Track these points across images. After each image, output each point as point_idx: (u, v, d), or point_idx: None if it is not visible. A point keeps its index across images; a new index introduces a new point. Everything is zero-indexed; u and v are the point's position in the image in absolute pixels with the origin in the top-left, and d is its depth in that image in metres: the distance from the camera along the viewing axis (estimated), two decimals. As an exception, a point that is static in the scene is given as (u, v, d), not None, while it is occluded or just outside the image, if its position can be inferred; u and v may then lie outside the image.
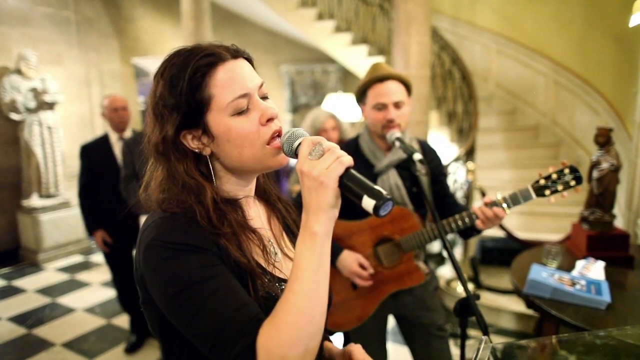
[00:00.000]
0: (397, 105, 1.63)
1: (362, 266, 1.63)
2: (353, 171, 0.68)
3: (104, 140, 2.91)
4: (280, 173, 2.79)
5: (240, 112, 0.75)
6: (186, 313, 0.67)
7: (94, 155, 2.85)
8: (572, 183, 1.43)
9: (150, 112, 0.79)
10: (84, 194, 2.86)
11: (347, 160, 0.67)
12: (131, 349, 2.86)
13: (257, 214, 0.87)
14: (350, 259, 1.62)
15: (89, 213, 2.87)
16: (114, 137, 2.89)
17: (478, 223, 1.53)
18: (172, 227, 0.72)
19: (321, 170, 0.66)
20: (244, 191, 0.84)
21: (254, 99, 0.76)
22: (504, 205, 1.49)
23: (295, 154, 0.74)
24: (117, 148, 2.84)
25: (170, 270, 0.68)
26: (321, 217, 0.67)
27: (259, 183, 0.90)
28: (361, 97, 1.71)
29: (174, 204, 0.75)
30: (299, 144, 0.72)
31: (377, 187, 0.66)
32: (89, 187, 2.85)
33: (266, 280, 0.77)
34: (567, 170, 1.43)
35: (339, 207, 0.69)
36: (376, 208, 0.64)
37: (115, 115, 2.84)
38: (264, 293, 0.75)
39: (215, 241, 0.73)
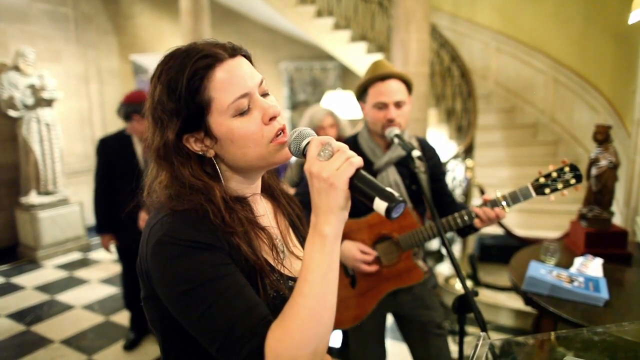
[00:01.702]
0: (397, 104, 1.62)
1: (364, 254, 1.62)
2: (363, 172, 0.66)
3: (125, 137, 2.64)
4: (279, 167, 2.77)
5: (242, 113, 0.73)
6: (195, 311, 0.66)
7: (113, 152, 2.60)
8: (573, 181, 1.42)
9: (149, 117, 0.77)
10: (99, 195, 2.65)
11: (357, 161, 0.66)
12: (130, 346, 2.86)
13: (264, 211, 0.86)
14: (351, 248, 1.61)
15: (102, 215, 2.68)
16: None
17: (476, 222, 1.53)
18: (183, 223, 0.70)
19: (331, 172, 0.65)
20: (250, 189, 0.83)
21: (254, 97, 0.75)
22: (504, 203, 1.49)
23: (303, 154, 0.72)
24: (140, 147, 2.59)
25: (180, 268, 0.67)
26: (331, 219, 0.66)
27: (264, 179, 0.89)
28: (362, 94, 1.70)
29: (183, 201, 0.73)
30: (307, 143, 0.71)
31: (388, 188, 0.65)
32: (105, 187, 2.62)
33: (274, 278, 0.76)
34: (567, 169, 1.43)
35: (348, 208, 0.67)
36: (388, 210, 0.63)
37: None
38: (273, 292, 0.74)
39: (227, 239, 0.72)
